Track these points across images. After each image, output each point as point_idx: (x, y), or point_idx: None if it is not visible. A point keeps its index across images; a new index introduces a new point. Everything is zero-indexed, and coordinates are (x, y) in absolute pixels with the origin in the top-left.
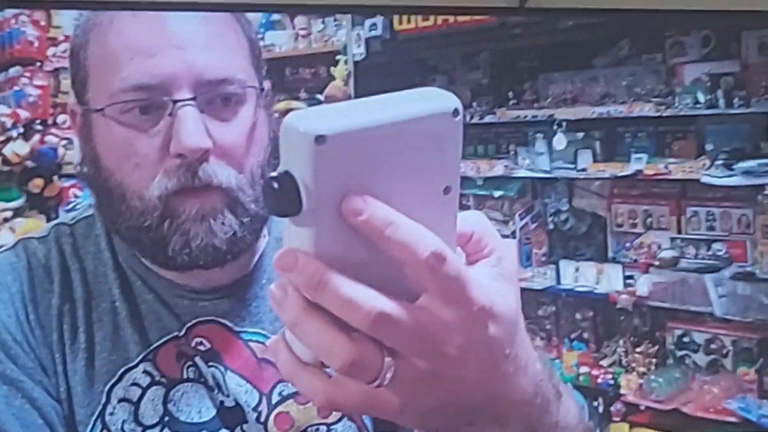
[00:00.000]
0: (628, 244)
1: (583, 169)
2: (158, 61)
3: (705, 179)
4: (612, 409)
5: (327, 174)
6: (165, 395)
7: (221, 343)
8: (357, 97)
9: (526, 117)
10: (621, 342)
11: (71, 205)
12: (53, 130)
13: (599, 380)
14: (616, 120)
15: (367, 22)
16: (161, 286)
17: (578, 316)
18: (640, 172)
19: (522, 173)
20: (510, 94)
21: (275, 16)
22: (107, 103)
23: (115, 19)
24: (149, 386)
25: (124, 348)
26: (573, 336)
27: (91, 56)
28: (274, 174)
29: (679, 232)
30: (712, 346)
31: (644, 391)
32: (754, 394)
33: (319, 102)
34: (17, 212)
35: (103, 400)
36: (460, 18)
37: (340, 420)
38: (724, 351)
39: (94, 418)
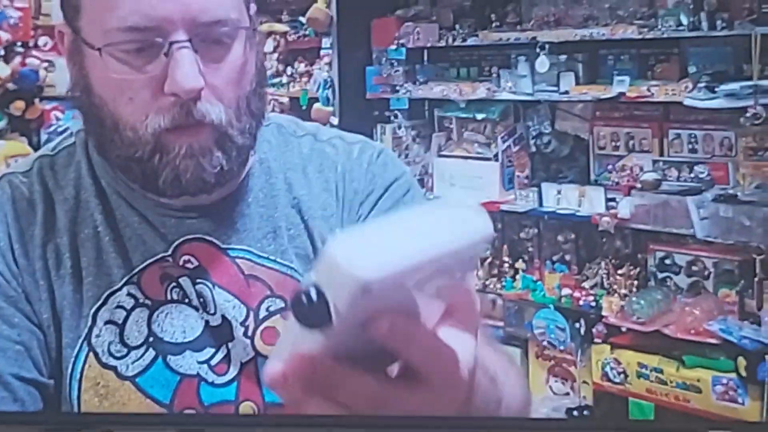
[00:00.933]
0: (610, 167)
1: (566, 92)
2: (155, 2)
3: (687, 102)
4: (593, 330)
5: (361, 305)
6: (149, 316)
7: (208, 260)
8: (339, 19)
9: (508, 39)
10: (603, 264)
11: (53, 128)
12: (34, 53)
13: (581, 302)
14: (599, 42)
15: None
16: (146, 207)
17: (560, 238)
18: (622, 94)
19: (504, 96)
20: (492, 16)
21: None
22: (102, 40)
23: None
24: (133, 308)
25: (108, 272)
26: (555, 258)
27: None
28: (306, 290)
29: (662, 154)
30: (694, 268)
31: (626, 313)
32: (735, 316)
33: (302, 24)
34: None
35: (89, 323)
36: None
37: None
38: (706, 273)
39: (81, 340)
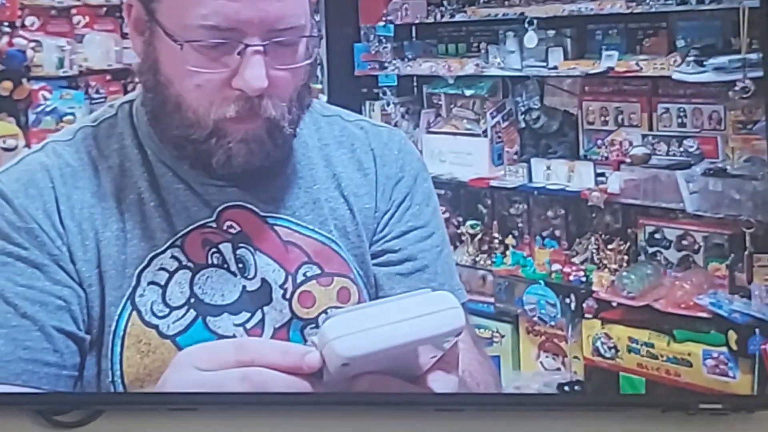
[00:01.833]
0: (599, 142)
1: (555, 67)
2: (238, 6)
3: (676, 76)
4: (584, 305)
5: (344, 371)
6: (191, 279)
7: (249, 226)
8: None
9: (496, 15)
10: (593, 239)
11: (41, 107)
12: (21, 32)
13: (571, 277)
14: (587, 17)
15: None
16: (190, 176)
17: (550, 213)
18: (611, 69)
19: (493, 72)
20: None
21: None
22: (182, 33)
23: None
24: (176, 270)
25: (152, 235)
26: (545, 234)
27: None
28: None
29: (651, 128)
30: (684, 242)
31: (616, 288)
32: (725, 290)
33: None
34: None
35: (134, 283)
36: None
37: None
38: (696, 247)
39: (124, 299)
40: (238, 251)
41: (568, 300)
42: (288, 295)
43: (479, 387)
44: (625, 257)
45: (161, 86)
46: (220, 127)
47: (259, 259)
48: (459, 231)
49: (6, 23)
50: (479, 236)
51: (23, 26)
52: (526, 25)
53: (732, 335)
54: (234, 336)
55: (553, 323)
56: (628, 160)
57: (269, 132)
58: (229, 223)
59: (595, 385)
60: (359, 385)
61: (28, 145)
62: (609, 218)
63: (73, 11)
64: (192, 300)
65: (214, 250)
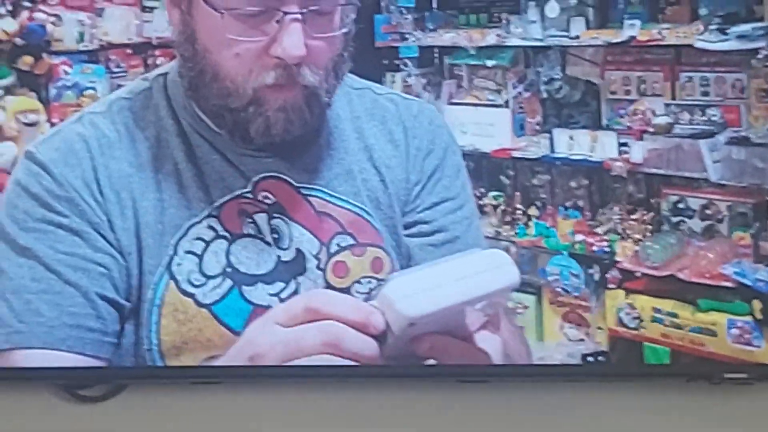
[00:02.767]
0: (622, 111)
1: (576, 37)
2: None
3: (699, 44)
4: (608, 276)
5: (408, 332)
6: (227, 248)
7: (284, 196)
8: None
9: None
10: (616, 209)
11: (61, 82)
12: (42, 7)
13: (594, 248)
14: None
15: None
16: (226, 146)
17: (573, 184)
18: (633, 38)
19: (514, 42)
20: None
21: None
22: (222, 2)
23: None
24: (212, 240)
25: (189, 205)
26: (568, 204)
27: None
28: None
29: (673, 97)
30: (708, 211)
31: (640, 258)
32: (750, 259)
33: None
34: (7, 90)
35: (171, 252)
36: None
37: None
38: (720, 216)
39: (162, 268)
40: (273, 221)
41: (591, 270)
42: (322, 265)
43: (512, 355)
44: (649, 227)
45: (199, 56)
46: (259, 95)
47: (294, 229)
48: (481, 202)
49: None
50: (502, 207)
51: (43, 1)
52: None
53: (756, 304)
54: (269, 306)
55: (576, 294)
56: (651, 129)
57: (307, 100)
58: (264, 193)
59: (619, 355)
60: (421, 348)
61: (49, 120)
62: (632, 188)
63: None
64: (228, 269)
65: (249, 220)
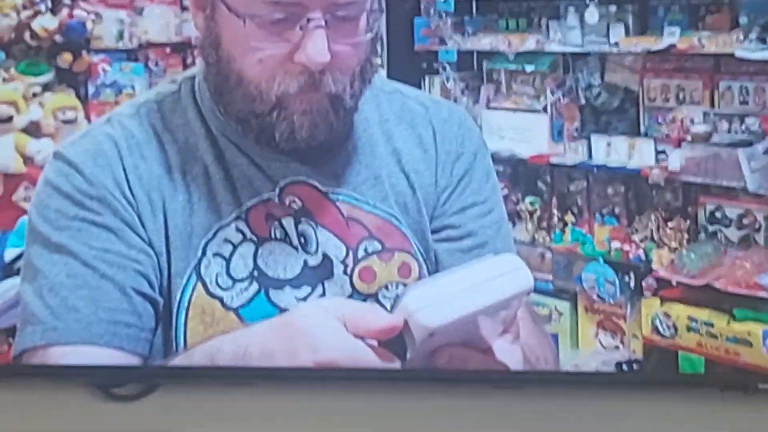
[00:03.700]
0: (660, 119)
1: (616, 44)
2: None
3: (739, 53)
4: (643, 284)
5: (428, 343)
6: (255, 252)
7: (311, 201)
8: None
9: None
10: (653, 217)
11: (100, 80)
12: (82, 4)
13: (630, 255)
14: None
15: None
16: (254, 151)
17: (610, 191)
18: (673, 46)
19: (554, 47)
20: None
21: None
22: (245, 9)
23: None
24: (240, 243)
25: (218, 208)
26: (604, 211)
27: None
28: None
29: (712, 106)
30: (745, 221)
31: (676, 267)
32: None
33: None
34: (46, 87)
35: (199, 255)
36: None
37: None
38: (757, 226)
39: (190, 270)
40: (300, 226)
41: (627, 278)
42: (349, 271)
43: (538, 361)
44: (685, 236)
45: (223, 62)
46: (283, 100)
47: (321, 234)
48: (518, 208)
49: None
50: (538, 213)
51: None
52: (587, 1)
53: None
54: None
55: (612, 301)
56: (689, 137)
57: (332, 105)
58: (291, 198)
59: (654, 364)
60: (440, 359)
61: (87, 117)
62: (669, 196)
63: None
64: (255, 273)
65: (276, 224)
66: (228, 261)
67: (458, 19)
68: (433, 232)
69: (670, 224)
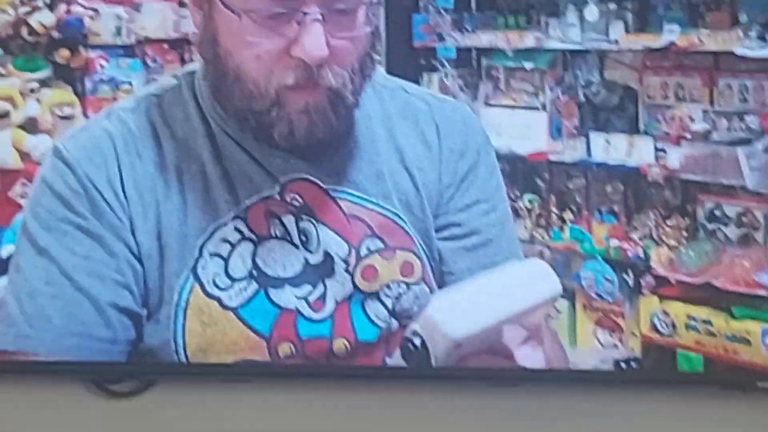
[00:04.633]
0: (659, 117)
1: (615, 41)
2: None
3: (740, 51)
4: (642, 282)
5: (454, 354)
6: (254, 251)
7: (313, 199)
8: None
9: None
10: (651, 215)
11: (97, 76)
12: (79, 1)
13: (629, 253)
14: None
15: None
16: (254, 147)
17: (609, 189)
18: (672, 43)
19: (553, 45)
20: None
21: None
22: (240, 4)
23: None
24: (239, 242)
25: (215, 207)
26: (603, 209)
27: None
28: (412, 338)
29: (712, 104)
30: (744, 219)
31: (675, 265)
32: None
33: None
34: (43, 83)
35: (196, 255)
36: None
37: (418, 283)
38: (756, 224)
39: (187, 270)
40: (301, 224)
41: (625, 276)
42: (351, 269)
43: (552, 361)
44: (684, 234)
45: (220, 59)
46: (281, 97)
47: (322, 232)
48: (516, 205)
49: None
50: (537, 211)
51: None
52: None
53: None
54: (296, 309)
55: (610, 299)
56: (688, 135)
57: (331, 102)
58: (292, 195)
59: (652, 362)
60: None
61: (84, 114)
62: (668, 194)
63: None
64: (254, 272)
65: (276, 222)
66: (226, 261)
67: (457, 15)
68: (437, 230)
69: (669, 222)
